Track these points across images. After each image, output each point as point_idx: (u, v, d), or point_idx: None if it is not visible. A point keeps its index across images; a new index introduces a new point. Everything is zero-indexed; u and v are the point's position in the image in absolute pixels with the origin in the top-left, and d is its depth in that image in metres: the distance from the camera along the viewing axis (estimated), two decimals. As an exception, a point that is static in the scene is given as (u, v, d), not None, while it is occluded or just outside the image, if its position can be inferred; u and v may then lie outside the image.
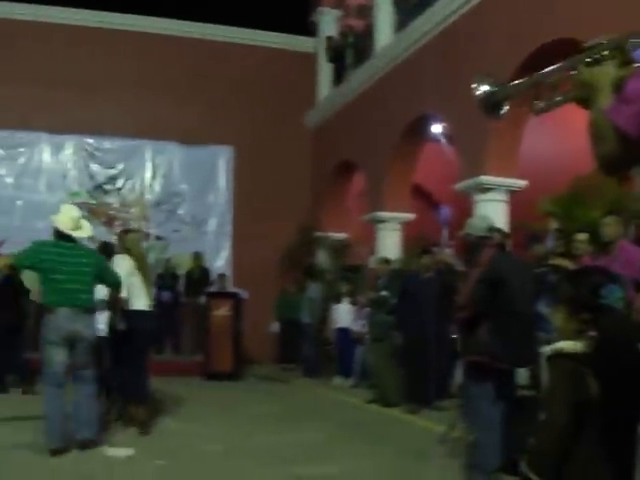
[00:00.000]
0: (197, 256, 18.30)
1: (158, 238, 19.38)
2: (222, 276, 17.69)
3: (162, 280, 17.77)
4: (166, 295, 17.55)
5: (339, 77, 18.62)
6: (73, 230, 7.83)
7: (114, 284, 8.44)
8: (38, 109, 18.61)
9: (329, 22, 19.84)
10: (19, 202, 18.85)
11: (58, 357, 7.60)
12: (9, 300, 11.64)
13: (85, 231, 8.07)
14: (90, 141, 19.55)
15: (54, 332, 7.59)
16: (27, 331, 12.98)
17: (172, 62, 19.42)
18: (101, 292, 8.45)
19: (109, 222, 19.19)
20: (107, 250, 10.04)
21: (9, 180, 19.12)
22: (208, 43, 19.80)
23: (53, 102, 18.60)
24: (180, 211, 19.63)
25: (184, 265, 18.48)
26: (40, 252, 7.78)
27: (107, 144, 19.61)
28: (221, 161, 19.82)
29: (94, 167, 19.55)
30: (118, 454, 7.58)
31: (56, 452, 7.43)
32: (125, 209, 19.55)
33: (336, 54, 18.68)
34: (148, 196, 19.68)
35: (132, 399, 9.17)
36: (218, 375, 14.93)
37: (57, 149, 19.42)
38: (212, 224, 19.71)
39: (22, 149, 19.26)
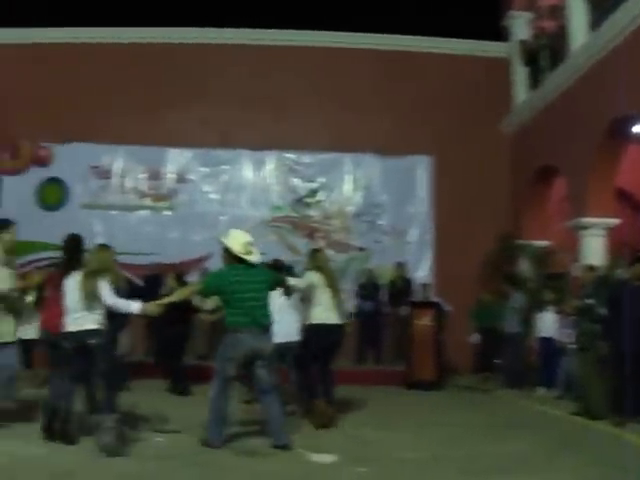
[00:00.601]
0: (400, 266, 18.37)
1: (360, 249, 19.55)
2: (425, 286, 17.72)
3: (364, 290, 18.10)
4: (368, 305, 17.85)
5: (535, 80, 18.19)
6: (246, 254, 8.33)
7: (283, 283, 9.26)
8: (238, 127, 19.39)
9: (521, 25, 19.40)
10: (223, 217, 19.52)
11: (232, 370, 8.25)
12: (179, 314, 12.02)
13: (256, 255, 8.53)
14: (290, 156, 20.03)
15: (236, 350, 8.18)
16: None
17: (366, 74, 19.65)
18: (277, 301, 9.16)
19: (311, 235, 19.61)
20: (277, 266, 10.89)
21: (214, 196, 19.94)
22: (400, 54, 19.87)
23: (252, 119, 19.33)
24: (381, 222, 19.71)
25: (386, 275, 18.53)
26: (226, 276, 8.39)
27: (307, 158, 20.03)
28: (420, 171, 19.72)
29: (295, 181, 20.01)
30: (321, 460, 7.75)
31: (209, 446, 8.11)
32: (327, 221, 19.82)
33: (531, 57, 18.27)
34: (349, 208, 19.86)
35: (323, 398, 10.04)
36: (419, 384, 14.94)
37: (258, 165, 20.02)
38: (413, 234, 19.63)
39: (225, 166, 20.01)
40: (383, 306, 17.99)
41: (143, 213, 19.93)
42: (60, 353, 8.28)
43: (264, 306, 8.42)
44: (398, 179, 19.64)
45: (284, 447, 8.07)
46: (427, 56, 19.86)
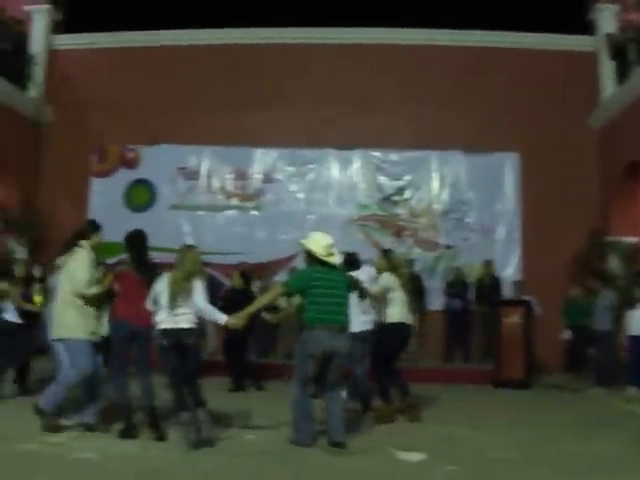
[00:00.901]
0: (487, 264, 18.37)
1: (447, 247, 19.64)
2: (517, 283, 17.64)
3: (452, 288, 18.27)
4: (456, 303, 18.02)
5: (622, 74, 18.01)
6: (327, 257, 8.59)
7: (357, 285, 9.45)
8: (325, 126, 19.67)
9: (607, 18, 19.31)
10: (310, 217, 19.84)
11: (310, 368, 8.44)
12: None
13: (337, 257, 8.78)
14: (376, 154, 20.21)
15: (314, 347, 8.39)
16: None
17: (451, 71, 19.77)
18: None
19: (398, 233, 19.76)
20: (351, 260, 10.97)
21: (300, 196, 20.26)
22: (485, 49, 19.90)
23: (338, 118, 19.63)
24: (468, 219, 19.70)
25: (474, 273, 18.61)
26: (308, 274, 8.69)
27: (393, 156, 20.20)
28: (507, 168, 19.66)
29: (382, 179, 20.17)
30: (410, 458, 7.89)
31: (299, 445, 8.37)
32: (414, 219, 19.92)
33: (618, 51, 18.16)
34: (436, 206, 19.92)
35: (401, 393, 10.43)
36: (508, 383, 14.90)
37: (345, 164, 20.27)
38: (501, 232, 19.54)
39: (311, 165, 20.33)
40: (471, 304, 18.10)
41: (230, 213, 20.39)
42: (137, 344, 8.79)
43: (343, 305, 8.65)
44: (485, 176, 19.60)
45: (338, 445, 8.22)
46: (512, 51, 19.80)
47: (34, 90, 20.47)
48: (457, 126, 19.34)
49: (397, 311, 10.46)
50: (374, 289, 10.32)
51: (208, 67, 20.31)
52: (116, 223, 18.92)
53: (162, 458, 7.63)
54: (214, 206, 20.44)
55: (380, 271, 10.71)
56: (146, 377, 8.76)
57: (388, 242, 19.06)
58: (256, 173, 20.39)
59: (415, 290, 17.24)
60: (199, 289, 8.62)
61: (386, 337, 10.53)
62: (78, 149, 20.41)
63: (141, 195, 20.55)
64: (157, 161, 20.38)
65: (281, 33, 20.45)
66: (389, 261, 10.77)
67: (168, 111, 20.01)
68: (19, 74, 19.97)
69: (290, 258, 18.47)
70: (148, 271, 8.91)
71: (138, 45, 20.85)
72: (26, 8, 20.95)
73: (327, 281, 8.55)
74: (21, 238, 18.74)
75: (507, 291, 17.75)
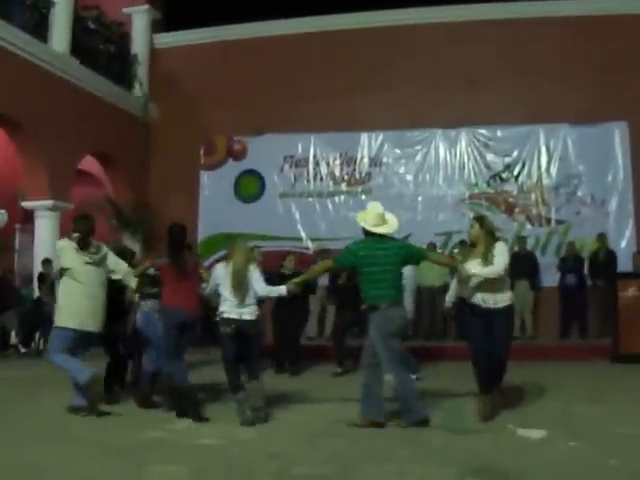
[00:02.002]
0: (601, 237, 18.43)
1: (559, 222, 19.83)
2: (637, 255, 17.72)
3: (566, 264, 18.40)
4: (571, 278, 18.14)
5: None
6: (377, 226, 8.58)
7: (420, 259, 9.17)
8: (430, 106, 20.11)
9: None
10: (420, 198, 20.36)
11: (396, 344, 8.47)
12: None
13: (390, 226, 8.68)
14: (483, 132, 20.57)
15: (389, 324, 8.41)
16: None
17: (553, 44, 19.76)
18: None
19: (509, 210, 20.12)
20: None
21: (409, 178, 20.82)
22: (590, 18, 19.73)
23: (443, 98, 19.99)
24: (579, 193, 19.75)
25: (587, 247, 18.82)
26: (355, 251, 8.68)
27: (500, 133, 20.49)
28: (616, 138, 19.61)
29: (489, 157, 20.50)
30: (531, 435, 7.91)
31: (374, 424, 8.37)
32: (524, 195, 20.20)
33: None
34: (546, 180, 20.09)
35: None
36: (626, 358, 14.54)
37: (451, 143, 20.70)
38: (613, 204, 19.51)
39: (418, 147, 20.83)
40: (586, 279, 18.14)
41: (339, 198, 21.16)
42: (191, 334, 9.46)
43: (392, 279, 8.51)
44: (594, 147, 19.57)
45: (423, 423, 8.30)
46: (618, 18, 19.58)
47: (139, 89, 21.73)
48: (563, 99, 19.35)
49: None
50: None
51: (309, 54, 21.04)
52: (227, 214, 20.33)
53: (285, 442, 7.86)
54: (323, 192, 21.27)
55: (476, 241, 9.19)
56: (183, 361, 9.47)
57: (499, 220, 19.41)
58: (363, 157, 21.07)
59: (529, 267, 17.94)
60: (256, 276, 9.12)
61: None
62: (185, 144, 21.45)
63: (250, 185, 21.50)
64: (264, 151, 21.29)
65: (383, 16, 20.93)
66: (487, 227, 9.17)
67: (271, 100, 20.83)
68: (124, 75, 21.28)
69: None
70: (182, 263, 9.44)
71: (236, 38, 21.84)
72: (125, 10, 22.22)
73: (375, 257, 8.49)
74: (135, 234, 19.93)
75: (622, 264, 17.72)
